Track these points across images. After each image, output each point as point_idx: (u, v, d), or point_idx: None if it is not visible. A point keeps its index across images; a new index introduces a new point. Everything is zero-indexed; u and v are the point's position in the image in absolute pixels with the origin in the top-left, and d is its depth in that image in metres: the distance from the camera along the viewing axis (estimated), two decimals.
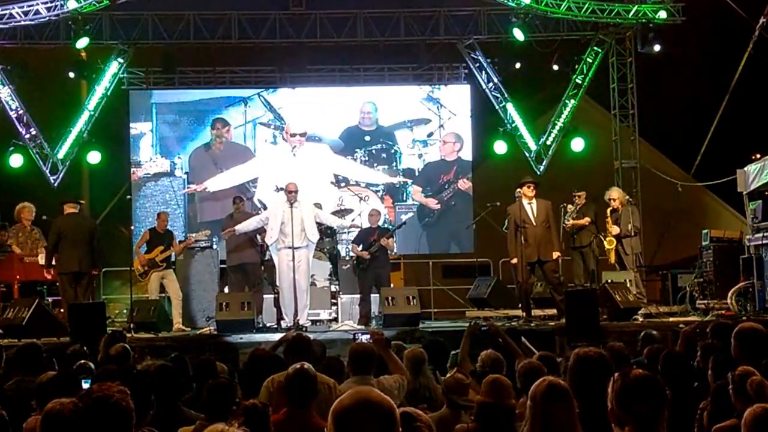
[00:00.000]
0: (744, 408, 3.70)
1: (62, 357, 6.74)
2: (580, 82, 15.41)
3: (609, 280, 11.58)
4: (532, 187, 11.43)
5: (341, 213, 13.49)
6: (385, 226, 13.78)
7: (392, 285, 12.59)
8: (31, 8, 13.61)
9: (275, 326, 11.60)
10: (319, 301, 12.01)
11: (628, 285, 11.61)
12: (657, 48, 14.35)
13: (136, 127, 15.49)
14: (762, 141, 12.78)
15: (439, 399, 5.57)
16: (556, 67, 15.35)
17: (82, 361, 6.00)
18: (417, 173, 15.73)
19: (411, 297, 11.36)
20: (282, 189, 12.05)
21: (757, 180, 11.70)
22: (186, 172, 15.43)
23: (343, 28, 15.09)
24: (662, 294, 13.84)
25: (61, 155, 14.87)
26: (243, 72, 16.09)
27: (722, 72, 14.41)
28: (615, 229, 12.18)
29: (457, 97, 15.83)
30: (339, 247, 13.53)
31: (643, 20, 14.34)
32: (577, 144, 15.22)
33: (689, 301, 12.19)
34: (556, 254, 11.37)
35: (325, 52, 15.58)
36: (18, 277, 11.73)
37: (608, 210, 12.37)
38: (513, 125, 15.49)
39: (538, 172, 15.09)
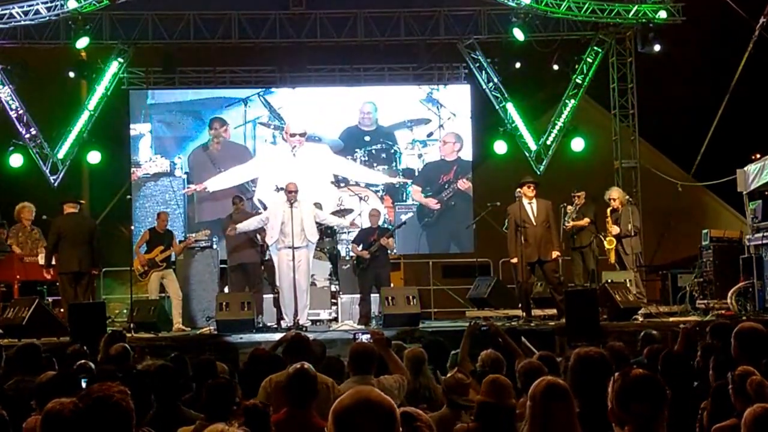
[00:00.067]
0: (744, 408, 3.70)
1: (62, 357, 6.74)
2: (580, 81, 15.41)
3: (609, 280, 11.58)
4: (532, 187, 11.43)
5: (341, 213, 13.49)
6: (385, 226, 13.78)
7: (392, 285, 12.60)
8: (31, 8, 13.61)
9: (275, 326, 11.60)
10: (319, 301, 12.02)
11: (628, 285, 11.60)
12: (657, 48, 14.36)
13: (136, 128, 15.49)
14: (762, 141, 12.78)
15: (439, 399, 5.57)
16: (556, 67, 15.36)
17: (82, 361, 6.00)
18: (417, 173, 15.73)
19: (411, 297, 11.36)
20: (282, 189, 12.04)
21: (757, 180, 11.69)
22: (186, 172, 15.43)
23: (343, 28, 15.10)
24: (662, 294, 13.84)
25: (61, 155, 14.88)
26: (243, 72, 16.10)
27: (722, 72, 14.42)
28: (615, 229, 12.18)
29: (457, 97, 15.83)
30: (339, 247, 13.53)
31: (643, 20, 14.35)
32: (577, 144, 15.22)
33: (689, 301, 12.19)
34: (555, 254, 11.37)
35: (325, 52, 15.58)
36: (18, 277, 11.74)
37: (608, 210, 12.37)
38: (513, 125, 15.50)
39: (538, 172, 15.09)
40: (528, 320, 11.16)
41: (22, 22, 13.77)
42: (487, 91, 15.51)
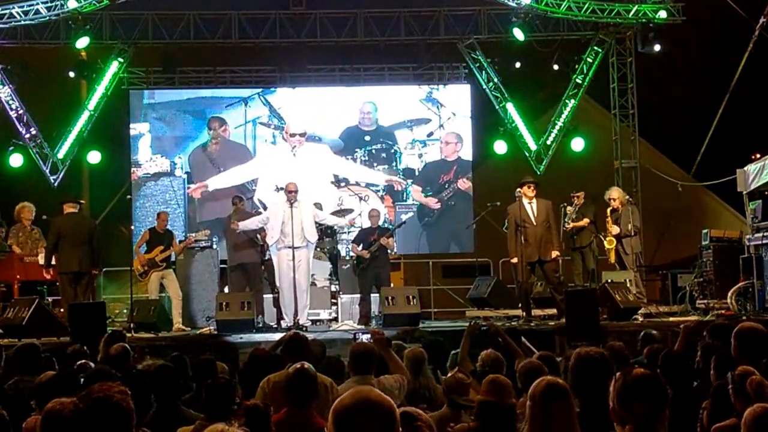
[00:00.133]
0: (744, 408, 3.70)
1: (62, 357, 6.74)
2: (580, 81, 15.41)
3: (609, 280, 11.58)
4: (532, 187, 11.43)
5: (341, 213, 13.48)
6: (385, 225, 13.78)
7: (392, 285, 12.59)
8: (31, 8, 13.61)
9: (275, 326, 11.60)
10: (319, 301, 12.01)
11: (628, 285, 11.60)
12: (657, 48, 14.36)
13: (135, 128, 15.49)
14: (762, 141, 12.77)
15: (439, 399, 5.57)
16: (556, 67, 15.36)
17: (82, 361, 6.00)
18: (417, 173, 15.73)
19: (411, 297, 11.36)
20: (282, 189, 12.05)
21: (757, 180, 11.69)
22: (186, 172, 15.44)
23: (343, 28, 15.10)
24: (662, 294, 13.84)
25: (61, 155, 14.88)
26: (243, 72, 16.11)
27: (722, 72, 14.41)
28: (615, 229, 12.18)
29: (457, 97, 15.83)
30: (339, 247, 13.53)
31: (643, 20, 14.35)
32: (577, 144, 15.22)
33: (689, 301, 12.19)
34: (555, 253, 11.37)
35: (325, 52, 15.59)
36: (18, 277, 11.74)
37: (608, 210, 12.37)
38: (513, 125, 15.49)
39: (538, 172, 15.08)
40: (528, 320, 11.16)
41: (22, 22, 13.78)
42: (487, 91, 15.51)
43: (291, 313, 11.04)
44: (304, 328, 10.57)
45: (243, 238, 11.95)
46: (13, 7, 13.53)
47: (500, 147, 15.41)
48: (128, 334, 9.44)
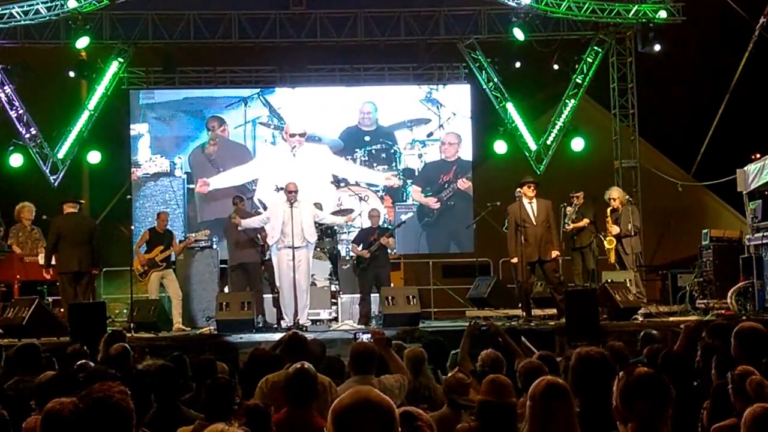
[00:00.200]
0: (743, 407, 3.70)
1: (62, 357, 6.74)
2: (580, 81, 15.41)
3: (609, 280, 11.58)
4: (532, 187, 11.43)
5: (341, 213, 13.48)
6: (385, 226, 13.78)
7: (392, 285, 12.60)
8: (31, 8, 13.62)
9: (275, 326, 11.60)
10: (319, 301, 12.02)
11: (628, 285, 11.60)
12: (657, 48, 14.36)
13: (135, 128, 15.49)
14: (762, 141, 12.77)
15: (440, 398, 5.57)
16: (556, 67, 15.36)
17: (82, 361, 5.99)
18: (416, 173, 15.73)
19: (411, 296, 11.36)
20: (282, 189, 12.05)
21: (756, 180, 11.69)
22: (186, 172, 15.44)
23: (343, 28, 15.10)
24: (662, 294, 13.85)
25: (61, 155, 14.88)
26: (243, 72, 16.11)
27: (722, 72, 14.41)
28: (615, 229, 12.18)
29: (457, 97, 15.83)
30: (339, 247, 13.53)
31: (643, 20, 14.35)
32: (577, 144, 15.22)
33: (689, 301, 12.20)
34: (555, 253, 11.37)
35: (325, 52, 15.59)
36: (18, 277, 11.74)
37: (608, 210, 12.38)
38: (513, 125, 15.49)
39: (538, 172, 15.08)
40: (528, 320, 11.16)
41: (22, 22, 13.78)
42: (487, 90, 15.51)
43: (291, 313, 11.04)
44: (304, 328, 10.57)
45: (244, 238, 11.95)
46: (13, 7, 13.53)
47: (500, 147, 15.41)
48: (128, 334, 9.44)
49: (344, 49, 15.56)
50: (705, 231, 12.47)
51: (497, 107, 15.52)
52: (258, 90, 15.73)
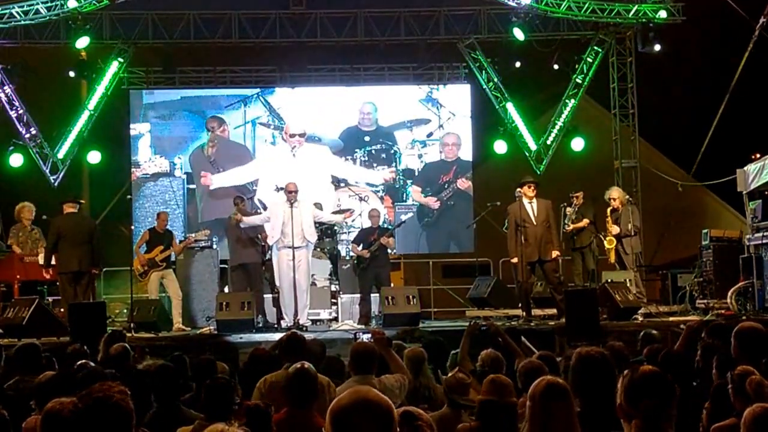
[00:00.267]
0: (743, 407, 3.70)
1: (62, 357, 6.74)
2: (580, 81, 15.41)
3: (609, 280, 11.58)
4: (532, 187, 11.43)
5: (340, 213, 13.49)
6: (385, 225, 13.79)
7: (392, 284, 12.60)
8: (31, 8, 13.62)
9: (275, 326, 11.60)
10: (319, 301, 12.02)
11: (628, 285, 11.60)
12: (657, 48, 14.36)
13: (135, 128, 15.49)
14: (762, 141, 12.77)
15: (440, 398, 5.57)
16: (556, 67, 15.36)
17: (82, 361, 5.99)
18: (416, 173, 15.73)
19: (411, 296, 11.36)
20: (282, 189, 12.06)
21: (756, 180, 11.70)
22: (186, 172, 15.44)
23: (343, 28, 15.10)
24: (662, 294, 13.85)
25: (61, 155, 14.88)
26: (243, 72, 16.11)
27: (722, 72, 14.41)
28: (615, 229, 12.18)
29: (457, 97, 15.83)
30: (339, 247, 13.53)
31: (643, 20, 14.35)
32: (577, 143, 15.22)
33: (689, 301, 12.20)
34: (555, 253, 11.37)
35: (325, 52, 15.59)
36: (18, 276, 11.74)
37: (608, 210, 12.38)
38: (513, 125, 15.49)
39: (538, 172, 15.08)
40: (528, 320, 11.16)
41: (22, 22, 13.78)
42: (487, 90, 15.50)
43: (291, 313, 11.04)
44: (304, 328, 10.58)
45: (244, 238, 11.95)
46: (13, 7, 13.53)
47: (500, 147, 15.40)
48: (128, 334, 9.43)
49: (344, 49, 15.55)
50: (705, 231, 12.48)
51: (497, 107, 15.52)
52: (258, 90, 15.73)
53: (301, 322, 10.92)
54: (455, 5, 15.22)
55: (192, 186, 15.38)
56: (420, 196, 15.66)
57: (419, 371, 6.10)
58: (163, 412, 4.86)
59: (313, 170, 14.81)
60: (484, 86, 15.51)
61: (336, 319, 12.13)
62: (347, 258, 13.27)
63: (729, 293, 11.21)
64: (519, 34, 14.25)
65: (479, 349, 6.14)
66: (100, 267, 12.04)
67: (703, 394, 4.70)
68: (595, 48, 15.29)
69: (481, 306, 13.22)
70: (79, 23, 13.69)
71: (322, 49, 15.47)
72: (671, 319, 11.12)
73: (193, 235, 12.99)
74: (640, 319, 10.90)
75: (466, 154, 15.71)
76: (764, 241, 10.99)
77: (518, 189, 11.54)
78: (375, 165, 15.63)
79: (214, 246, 13.14)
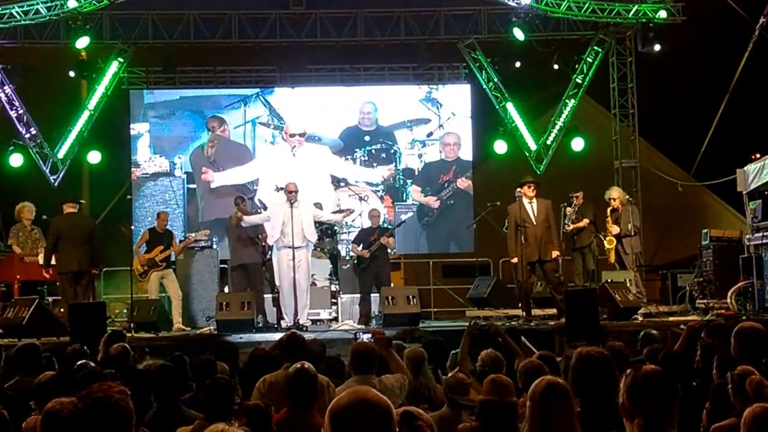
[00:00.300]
0: (743, 407, 3.70)
1: (62, 357, 6.74)
2: (580, 81, 15.41)
3: (609, 280, 11.58)
4: (532, 187, 11.43)
5: (340, 212, 13.48)
6: (385, 225, 13.79)
7: (392, 284, 12.60)
8: (31, 8, 13.61)
9: (275, 326, 11.60)
10: (319, 301, 12.02)
11: (628, 284, 11.60)
12: (657, 48, 14.36)
13: (135, 128, 15.49)
14: (762, 141, 12.77)
15: (440, 398, 5.57)
16: (556, 67, 15.36)
17: (82, 361, 5.99)
18: (416, 173, 15.73)
19: (411, 296, 11.36)
20: (282, 189, 12.06)
21: (756, 179, 11.70)
22: (186, 172, 15.43)
23: (343, 28, 15.10)
24: (662, 293, 13.85)
25: (61, 155, 14.87)
26: (243, 72, 16.11)
27: (722, 72, 14.41)
28: (615, 229, 12.18)
29: (457, 97, 15.83)
30: (339, 247, 13.53)
31: (643, 20, 14.35)
32: (577, 143, 15.22)
33: (689, 301, 12.20)
34: (555, 253, 11.37)
35: (325, 52, 15.59)
36: (18, 276, 11.75)
37: (608, 209, 12.38)
38: (513, 125, 15.49)
39: (538, 172, 15.08)
40: (528, 320, 11.16)
41: (22, 22, 13.78)
42: (487, 90, 15.50)
43: (291, 313, 11.04)
44: (304, 328, 10.58)
45: (245, 239, 11.95)
46: (13, 7, 13.53)
47: (500, 147, 15.40)
48: (128, 334, 9.43)
49: (344, 49, 15.55)
50: (705, 231, 12.48)
51: (497, 107, 15.52)
52: (258, 90, 15.73)
53: (301, 322, 10.92)
54: (455, 5, 15.22)
55: (192, 186, 15.38)
56: (420, 195, 15.66)
57: (419, 371, 6.10)
58: (163, 412, 4.86)
59: (313, 170, 14.82)
60: (484, 86, 15.51)
61: (336, 319, 12.13)
62: (347, 258, 13.27)
63: (729, 293, 11.21)
64: (519, 34, 14.25)
65: (479, 349, 6.14)
66: (99, 267, 12.04)
67: (703, 394, 4.70)
68: (595, 48, 15.29)
69: (481, 306, 13.22)
70: (79, 23, 13.69)
71: (322, 49, 15.47)
72: (671, 319, 11.12)
73: (193, 234, 12.99)
74: (640, 319, 10.90)
75: (466, 154, 15.71)
76: (764, 241, 10.99)
77: (518, 189, 11.54)
78: (375, 165, 15.63)
79: (214, 246, 13.14)
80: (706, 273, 12.09)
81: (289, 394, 4.74)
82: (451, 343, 7.42)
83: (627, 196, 12.94)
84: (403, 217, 14.76)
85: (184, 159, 15.47)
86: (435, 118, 15.78)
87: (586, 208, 12.54)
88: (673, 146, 16.13)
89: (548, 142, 15.52)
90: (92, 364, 5.96)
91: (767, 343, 4.92)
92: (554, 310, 11.47)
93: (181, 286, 12.18)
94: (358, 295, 12.18)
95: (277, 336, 8.49)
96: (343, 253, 13.61)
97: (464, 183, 15.58)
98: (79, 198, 12.22)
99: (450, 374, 5.37)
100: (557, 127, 15.49)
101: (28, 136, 14.64)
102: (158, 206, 14.70)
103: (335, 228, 13.16)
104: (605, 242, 12.24)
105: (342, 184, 15.29)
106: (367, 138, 15.67)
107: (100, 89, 14.92)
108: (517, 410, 4.29)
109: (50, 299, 11.88)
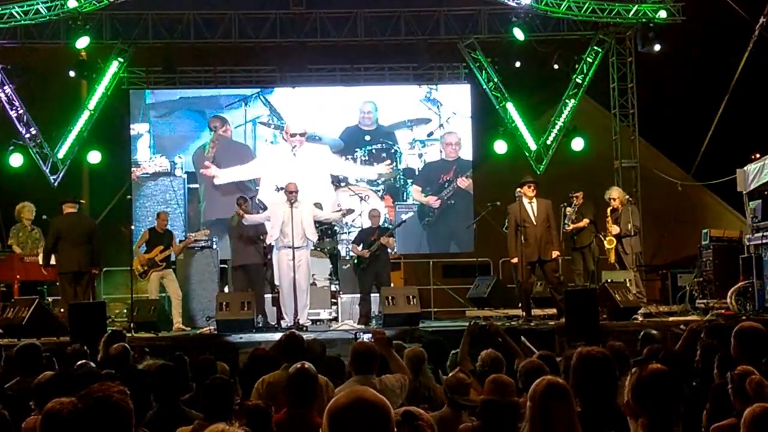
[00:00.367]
0: (743, 407, 3.70)
1: (62, 357, 6.74)
2: (580, 81, 15.41)
3: (609, 280, 11.58)
4: (532, 187, 11.43)
5: (339, 211, 13.47)
6: (385, 225, 13.79)
7: (392, 284, 12.60)
8: (31, 8, 13.61)
9: (275, 326, 11.60)
10: (319, 301, 12.02)
11: (628, 284, 11.60)
12: (657, 48, 14.36)
13: (135, 128, 15.49)
14: (762, 141, 12.77)
15: (440, 398, 5.57)
16: (556, 67, 15.36)
17: (82, 361, 5.99)
18: (417, 173, 15.73)
19: (411, 296, 11.35)
20: (282, 189, 12.06)
21: (756, 179, 11.70)
22: (186, 172, 15.43)
23: (343, 28, 15.10)
24: (662, 293, 13.85)
25: (61, 155, 14.87)
26: (243, 72, 16.11)
27: (722, 72, 14.40)
28: (615, 229, 12.18)
29: (457, 97, 15.82)
30: (339, 247, 13.53)
31: (643, 20, 14.35)
32: (577, 143, 15.22)
33: (689, 301, 12.20)
34: (555, 253, 11.38)
35: (326, 52, 15.58)
36: (18, 276, 11.75)
37: (608, 209, 12.38)
38: (513, 125, 15.48)
39: (538, 172, 15.07)
40: (528, 320, 11.16)
41: (22, 22, 13.77)
42: (487, 90, 15.50)
43: (291, 312, 11.05)
44: (304, 328, 10.59)
45: (246, 239, 11.95)
46: (13, 7, 13.53)
47: (500, 147, 15.40)
48: (128, 334, 9.43)
49: (344, 49, 15.55)
50: (705, 231, 12.48)
51: (497, 107, 15.51)
52: (258, 90, 15.73)
53: (301, 322, 10.92)
54: (455, 5, 15.22)
55: (193, 185, 15.37)
56: (420, 195, 15.66)
57: (419, 371, 6.10)
58: (163, 412, 4.86)
59: (314, 170, 14.82)
60: (484, 86, 15.51)
61: (336, 319, 12.13)
62: (347, 258, 13.27)
63: (729, 293, 11.21)
64: (519, 34, 14.25)
65: (479, 349, 6.14)
66: (99, 267, 12.04)
67: (703, 394, 4.70)
68: (595, 48, 15.29)
69: (481, 306, 13.22)
70: (79, 23, 13.69)
71: (322, 49, 15.47)
72: (671, 319, 11.12)
73: (193, 234, 12.99)
74: (640, 319, 10.90)
75: (467, 153, 15.71)
76: (764, 241, 10.99)
77: (518, 189, 11.54)
78: (375, 164, 15.63)
79: (214, 246, 13.14)
80: (706, 273, 12.09)
81: (289, 394, 4.74)
82: (451, 343, 7.42)
83: (627, 196, 12.94)
84: (404, 216, 14.76)
85: (185, 158, 15.46)
86: (435, 118, 15.78)
87: (586, 208, 12.54)
88: (673, 146, 16.12)
89: (548, 142, 15.51)
90: (92, 364, 5.96)
91: (767, 343, 4.92)
92: (554, 310, 11.47)
93: (181, 286, 12.18)
94: (358, 295, 12.18)
95: (277, 336, 8.49)
96: (343, 253, 13.61)
97: (465, 182, 15.57)
98: (79, 198, 12.23)
99: (450, 374, 5.37)
100: (557, 127, 15.49)
101: (28, 136, 14.63)
102: (158, 206, 14.70)
103: (335, 228, 13.16)
104: (605, 242, 12.24)
105: (342, 183, 15.29)
106: (367, 138, 15.67)
107: (100, 89, 14.92)
108: (518, 410, 4.29)
109: (50, 299, 11.88)
